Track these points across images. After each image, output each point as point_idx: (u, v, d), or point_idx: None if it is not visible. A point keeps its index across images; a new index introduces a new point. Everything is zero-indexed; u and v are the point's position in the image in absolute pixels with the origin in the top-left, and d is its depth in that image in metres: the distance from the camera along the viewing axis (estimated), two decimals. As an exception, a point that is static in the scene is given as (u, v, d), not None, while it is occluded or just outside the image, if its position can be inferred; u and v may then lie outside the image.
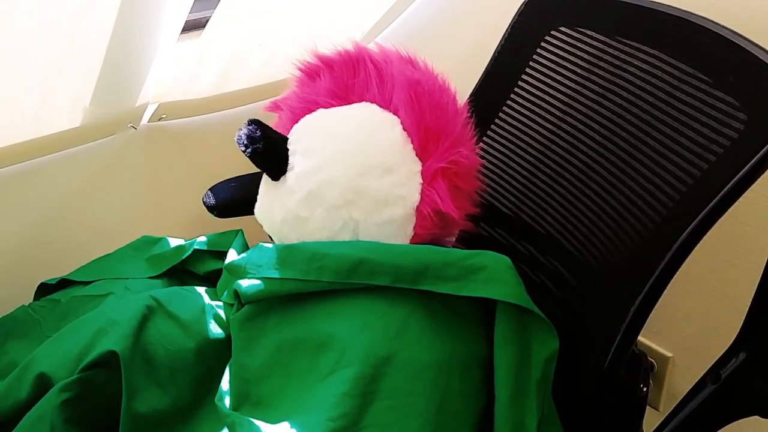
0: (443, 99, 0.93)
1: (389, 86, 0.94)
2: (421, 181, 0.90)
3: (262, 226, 0.99)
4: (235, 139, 0.90)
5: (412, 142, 0.91)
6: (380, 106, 0.94)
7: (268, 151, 0.90)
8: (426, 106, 0.90)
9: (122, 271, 1.03)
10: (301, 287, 0.83)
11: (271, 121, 0.99)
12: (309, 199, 0.89)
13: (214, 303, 0.92)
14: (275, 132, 0.93)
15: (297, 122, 0.98)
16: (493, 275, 0.79)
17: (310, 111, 0.98)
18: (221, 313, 0.91)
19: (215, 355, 0.86)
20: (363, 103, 0.96)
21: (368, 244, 0.87)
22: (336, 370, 0.75)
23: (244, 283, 0.86)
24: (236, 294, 0.87)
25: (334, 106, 0.97)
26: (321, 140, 0.92)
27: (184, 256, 1.03)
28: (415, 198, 0.89)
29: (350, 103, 0.97)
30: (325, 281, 0.81)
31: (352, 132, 0.92)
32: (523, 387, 0.77)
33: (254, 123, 0.90)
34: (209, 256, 1.05)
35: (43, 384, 0.79)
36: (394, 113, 0.93)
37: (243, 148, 0.89)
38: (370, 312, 0.79)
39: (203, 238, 1.06)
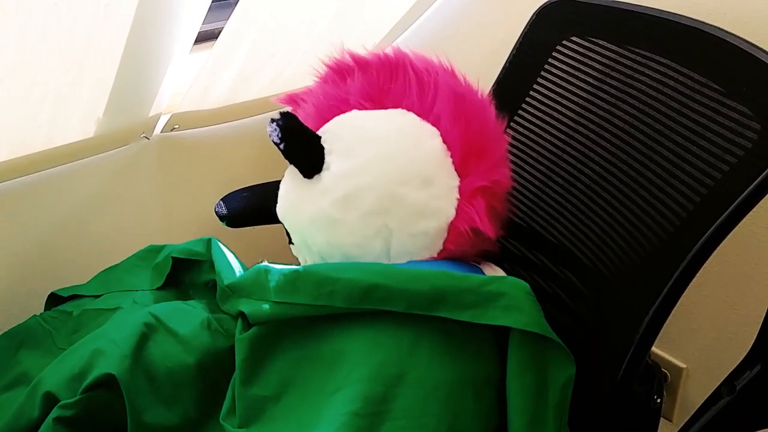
0: (487, 115, 0.91)
1: (430, 96, 0.91)
2: (458, 197, 0.88)
3: (283, 226, 0.96)
4: (268, 131, 0.86)
5: (451, 156, 0.89)
6: (419, 116, 0.92)
7: (307, 145, 0.88)
8: (470, 120, 0.88)
9: (130, 282, 1.02)
10: (312, 311, 0.81)
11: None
12: (345, 201, 0.87)
13: (214, 316, 0.90)
14: (308, 128, 0.91)
15: (324, 119, 0.95)
16: (513, 302, 0.76)
17: (340, 110, 0.95)
18: (221, 325, 0.89)
19: (218, 368, 0.85)
20: (400, 110, 0.93)
21: (381, 267, 0.83)
22: (345, 385, 0.74)
23: (250, 304, 0.84)
24: (242, 314, 0.85)
25: (368, 109, 0.95)
26: (360, 142, 0.90)
27: (170, 264, 1.01)
28: (451, 213, 0.87)
29: (386, 108, 0.94)
30: (336, 306, 0.79)
31: (392, 137, 0.90)
32: (541, 413, 0.75)
33: (289, 116, 0.87)
34: (209, 266, 1.03)
35: (49, 403, 0.79)
36: (434, 125, 0.91)
37: (277, 141, 0.86)
38: (381, 330, 0.78)
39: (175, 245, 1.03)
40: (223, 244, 1.00)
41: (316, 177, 0.89)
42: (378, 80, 0.95)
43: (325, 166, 0.89)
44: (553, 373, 0.76)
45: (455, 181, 0.88)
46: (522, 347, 0.76)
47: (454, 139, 0.88)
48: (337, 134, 0.91)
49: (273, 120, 0.86)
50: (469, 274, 0.80)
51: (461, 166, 0.88)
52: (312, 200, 0.89)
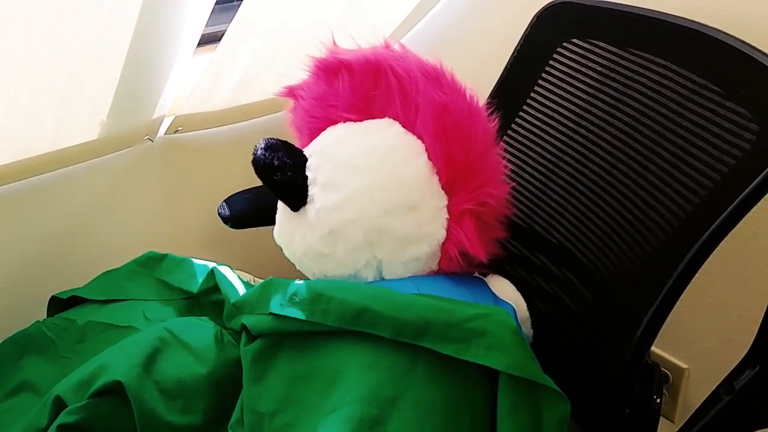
0: (473, 127, 0.86)
1: (413, 106, 0.88)
2: (447, 217, 0.86)
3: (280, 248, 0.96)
4: (252, 161, 0.86)
5: (438, 174, 0.87)
6: (403, 126, 0.90)
7: (287, 183, 0.87)
8: (454, 138, 0.85)
9: (132, 290, 1.01)
10: (308, 326, 0.81)
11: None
12: (331, 237, 0.86)
13: (225, 330, 0.90)
14: (293, 155, 0.89)
15: (314, 126, 0.95)
16: (496, 342, 0.74)
17: (329, 119, 0.94)
18: (233, 337, 0.89)
19: (230, 378, 0.85)
20: (387, 120, 0.91)
21: (374, 291, 0.81)
22: (340, 406, 0.73)
23: (252, 318, 0.85)
24: (245, 327, 0.85)
25: (355, 121, 0.93)
26: (343, 173, 0.88)
27: (194, 291, 0.99)
28: (441, 234, 0.86)
29: (372, 117, 0.92)
30: (329, 325, 0.79)
31: (377, 165, 0.88)
32: None
33: (271, 149, 0.86)
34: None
35: (58, 408, 0.79)
36: (419, 137, 0.88)
37: (260, 176, 0.86)
38: (379, 349, 0.76)
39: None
40: (230, 267, 1.00)
41: (302, 209, 0.89)
42: (362, 87, 0.92)
43: (309, 198, 0.88)
44: (546, 413, 0.73)
45: (443, 201, 0.87)
46: (511, 388, 0.73)
47: (439, 159, 0.86)
48: (321, 160, 0.90)
49: (256, 149, 0.86)
50: (456, 307, 0.77)
51: (449, 186, 0.86)
52: (301, 234, 0.90)
